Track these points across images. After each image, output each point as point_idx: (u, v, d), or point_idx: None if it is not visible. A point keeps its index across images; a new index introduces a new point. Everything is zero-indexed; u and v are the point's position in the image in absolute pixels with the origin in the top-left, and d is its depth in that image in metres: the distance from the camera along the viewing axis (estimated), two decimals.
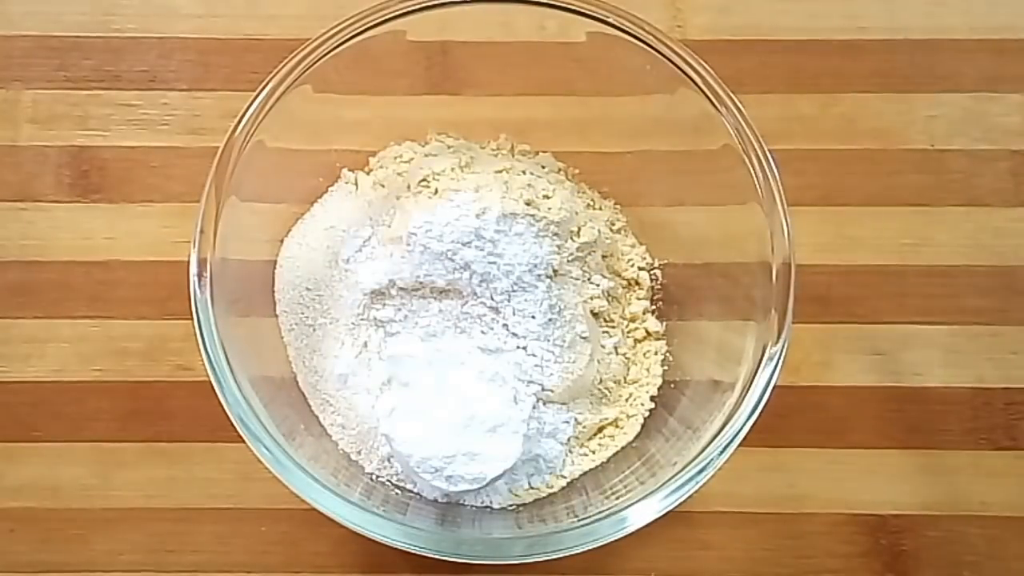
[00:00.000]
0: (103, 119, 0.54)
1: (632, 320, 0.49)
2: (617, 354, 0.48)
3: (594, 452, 0.47)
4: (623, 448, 0.47)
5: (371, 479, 0.45)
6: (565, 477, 0.46)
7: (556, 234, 0.46)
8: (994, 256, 0.52)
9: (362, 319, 0.46)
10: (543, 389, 0.45)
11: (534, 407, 0.45)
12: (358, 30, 0.44)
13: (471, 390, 0.44)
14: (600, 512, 0.41)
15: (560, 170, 0.51)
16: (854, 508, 0.49)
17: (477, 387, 0.44)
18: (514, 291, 0.45)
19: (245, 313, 0.45)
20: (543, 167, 0.50)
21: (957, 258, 0.52)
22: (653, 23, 0.44)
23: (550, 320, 0.45)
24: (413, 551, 0.39)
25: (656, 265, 0.50)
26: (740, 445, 0.40)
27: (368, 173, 0.50)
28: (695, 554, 0.49)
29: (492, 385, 0.44)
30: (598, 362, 0.47)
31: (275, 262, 0.48)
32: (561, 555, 0.39)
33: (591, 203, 0.50)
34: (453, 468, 0.43)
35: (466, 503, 0.45)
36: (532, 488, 0.45)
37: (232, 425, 0.40)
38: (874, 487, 0.50)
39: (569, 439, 0.46)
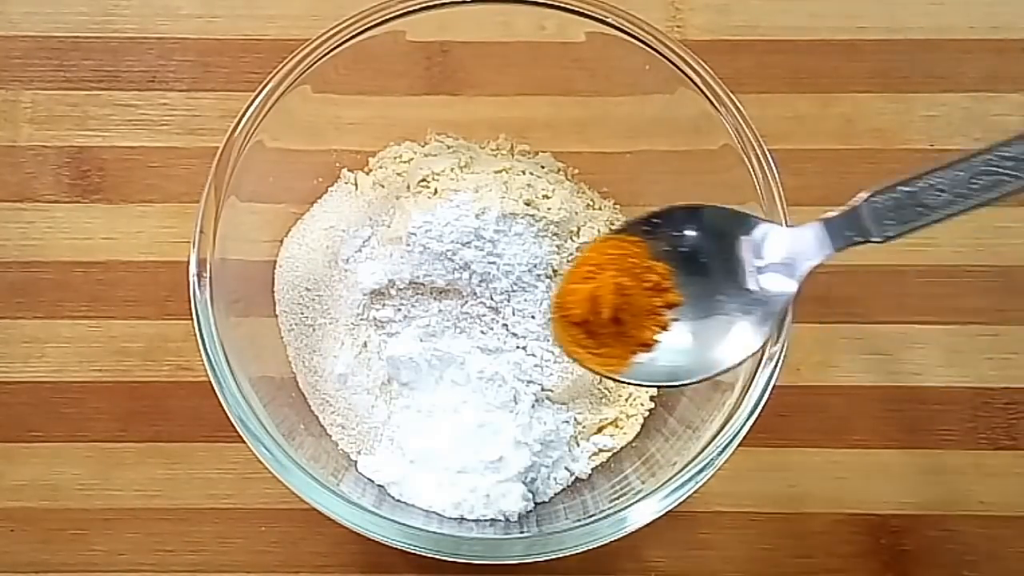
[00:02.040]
0: (102, 119, 0.54)
1: None
2: None
3: (594, 452, 0.47)
4: (623, 448, 0.47)
5: (370, 479, 0.45)
6: (565, 478, 0.46)
7: (556, 234, 0.46)
8: (994, 256, 0.52)
9: (362, 319, 0.46)
10: (543, 389, 0.45)
11: (532, 416, 0.45)
12: (358, 30, 0.44)
13: (468, 422, 0.44)
14: (600, 512, 0.41)
15: (560, 170, 0.51)
16: (854, 508, 0.49)
17: (473, 418, 0.44)
18: (514, 291, 0.45)
19: (245, 313, 0.45)
20: (543, 167, 0.50)
21: (957, 258, 0.52)
22: (652, 23, 0.44)
23: (550, 320, 0.45)
24: (413, 551, 0.39)
25: None
26: (740, 445, 0.40)
27: (368, 173, 0.50)
28: (695, 554, 0.49)
29: (487, 427, 0.44)
30: None
31: (275, 262, 0.48)
32: (561, 555, 0.39)
33: (591, 203, 0.50)
34: (471, 513, 0.43)
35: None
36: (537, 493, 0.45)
37: (232, 425, 0.40)
38: (874, 487, 0.50)
39: (569, 439, 0.46)
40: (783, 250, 0.34)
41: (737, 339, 0.36)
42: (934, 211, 0.29)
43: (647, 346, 0.37)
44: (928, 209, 0.29)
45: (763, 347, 0.40)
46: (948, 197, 0.28)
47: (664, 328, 0.36)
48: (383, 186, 0.49)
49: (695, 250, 0.36)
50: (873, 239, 0.30)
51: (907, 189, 0.29)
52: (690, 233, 0.36)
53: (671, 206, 0.36)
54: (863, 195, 0.30)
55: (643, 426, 0.47)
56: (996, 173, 0.28)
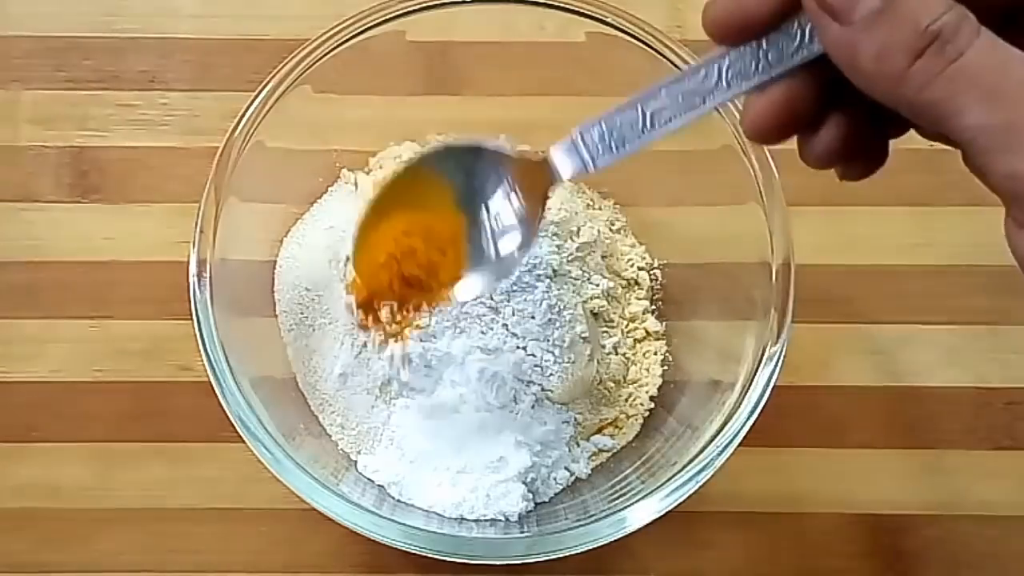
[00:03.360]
0: (103, 119, 0.54)
1: (632, 320, 0.49)
2: (617, 354, 0.48)
3: (593, 452, 0.47)
4: (623, 448, 0.47)
5: (370, 479, 0.45)
6: (565, 478, 0.46)
7: (555, 234, 0.46)
8: (994, 256, 0.52)
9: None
10: (543, 389, 0.45)
11: (532, 415, 0.45)
12: (358, 30, 0.44)
13: (468, 422, 0.44)
14: (600, 512, 0.41)
15: None
16: (854, 508, 0.49)
17: (473, 418, 0.45)
18: (513, 291, 0.45)
19: (245, 313, 0.45)
20: None
21: (957, 258, 0.52)
22: (653, 23, 0.44)
23: (550, 320, 0.45)
24: (413, 551, 0.39)
25: (656, 265, 0.50)
26: (740, 445, 0.40)
27: (368, 173, 0.50)
28: (695, 554, 0.49)
29: (487, 427, 0.44)
30: (598, 362, 0.47)
31: (275, 262, 0.48)
32: (561, 555, 0.39)
33: (591, 203, 0.50)
34: (471, 513, 0.43)
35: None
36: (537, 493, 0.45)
37: (232, 425, 0.40)
38: (874, 487, 0.50)
39: (569, 439, 0.46)
40: (518, 199, 0.37)
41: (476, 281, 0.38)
42: (631, 141, 0.33)
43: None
44: (626, 139, 0.33)
45: (763, 347, 0.41)
46: (639, 128, 0.32)
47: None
48: None
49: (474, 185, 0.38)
50: (590, 168, 0.34)
51: (606, 124, 0.33)
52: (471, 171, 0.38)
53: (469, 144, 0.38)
54: (574, 131, 0.34)
55: (643, 426, 0.47)
56: (672, 107, 0.32)
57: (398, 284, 0.39)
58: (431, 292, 0.39)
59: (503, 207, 0.37)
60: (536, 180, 0.36)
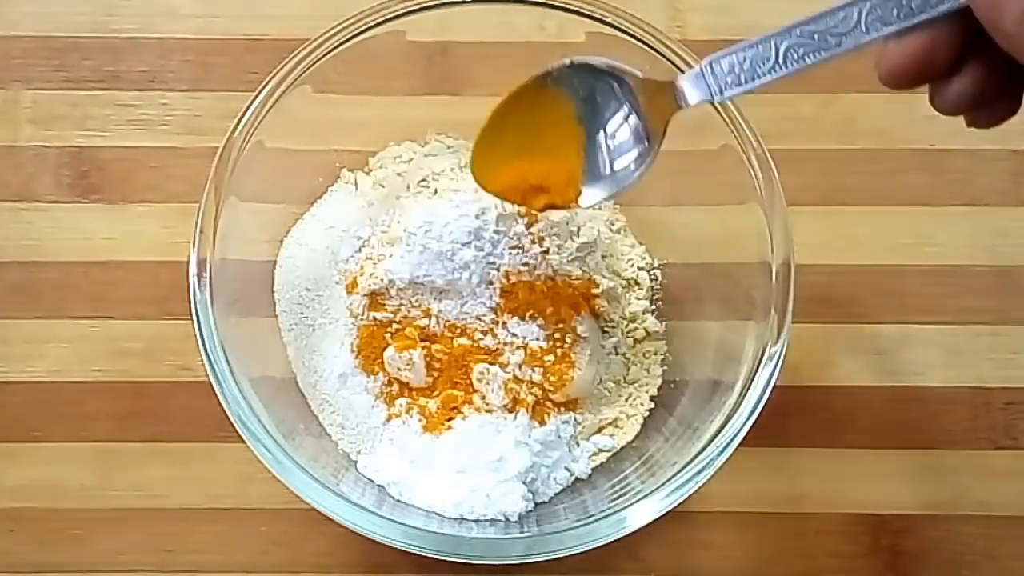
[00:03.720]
0: (103, 119, 0.54)
1: (632, 320, 0.49)
2: (617, 354, 0.48)
3: (594, 452, 0.47)
4: (623, 448, 0.47)
5: (370, 479, 0.45)
6: (565, 478, 0.46)
7: (555, 234, 0.46)
8: (994, 256, 0.52)
9: (362, 319, 0.46)
10: (543, 389, 0.45)
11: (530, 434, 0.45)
12: (358, 30, 0.44)
13: (468, 422, 0.45)
14: (600, 512, 0.41)
15: None
16: (854, 508, 0.49)
17: (474, 418, 0.45)
18: None
19: (245, 313, 0.45)
20: None
21: (957, 258, 0.52)
22: (652, 23, 0.44)
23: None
24: (413, 551, 0.39)
25: (656, 265, 0.50)
26: (740, 445, 0.40)
27: (368, 173, 0.50)
28: (695, 554, 0.49)
29: (487, 427, 0.44)
30: (598, 362, 0.47)
31: (275, 262, 0.48)
32: (561, 555, 0.39)
33: None
34: (471, 513, 0.43)
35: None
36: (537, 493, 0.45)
37: (232, 425, 0.40)
38: (874, 487, 0.50)
39: (569, 439, 0.46)
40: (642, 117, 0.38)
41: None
42: (761, 76, 0.33)
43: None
44: (756, 73, 0.33)
45: (763, 347, 0.41)
46: (771, 64, 0.33)
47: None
48: (383, 186, 0.49)
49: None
50: (716, 97, 0.34)
51: (740, 55, 0.33)
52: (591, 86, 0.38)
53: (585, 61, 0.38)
54: (704, 60, 0.34)
55: (643, 426, 0.47)
56: (806, 45, 0.32)
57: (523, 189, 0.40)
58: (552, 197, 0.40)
59: (624, 125, 0.38)
60: (661, 102, 0.36)
